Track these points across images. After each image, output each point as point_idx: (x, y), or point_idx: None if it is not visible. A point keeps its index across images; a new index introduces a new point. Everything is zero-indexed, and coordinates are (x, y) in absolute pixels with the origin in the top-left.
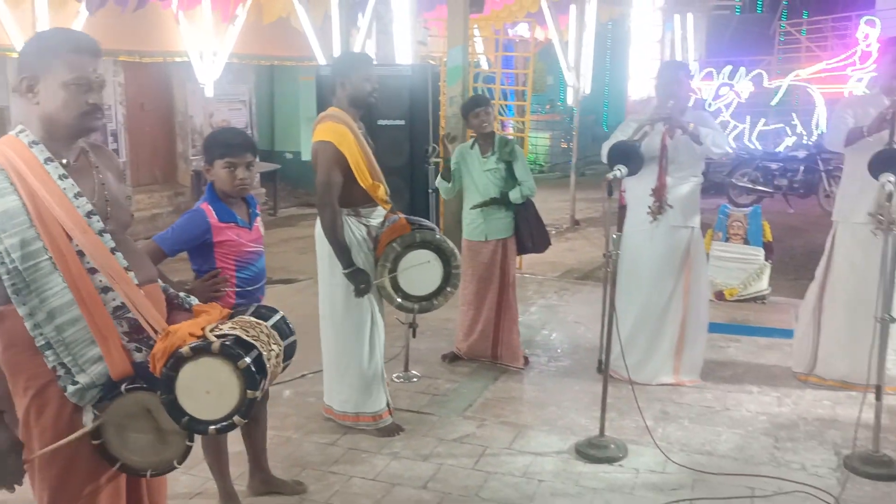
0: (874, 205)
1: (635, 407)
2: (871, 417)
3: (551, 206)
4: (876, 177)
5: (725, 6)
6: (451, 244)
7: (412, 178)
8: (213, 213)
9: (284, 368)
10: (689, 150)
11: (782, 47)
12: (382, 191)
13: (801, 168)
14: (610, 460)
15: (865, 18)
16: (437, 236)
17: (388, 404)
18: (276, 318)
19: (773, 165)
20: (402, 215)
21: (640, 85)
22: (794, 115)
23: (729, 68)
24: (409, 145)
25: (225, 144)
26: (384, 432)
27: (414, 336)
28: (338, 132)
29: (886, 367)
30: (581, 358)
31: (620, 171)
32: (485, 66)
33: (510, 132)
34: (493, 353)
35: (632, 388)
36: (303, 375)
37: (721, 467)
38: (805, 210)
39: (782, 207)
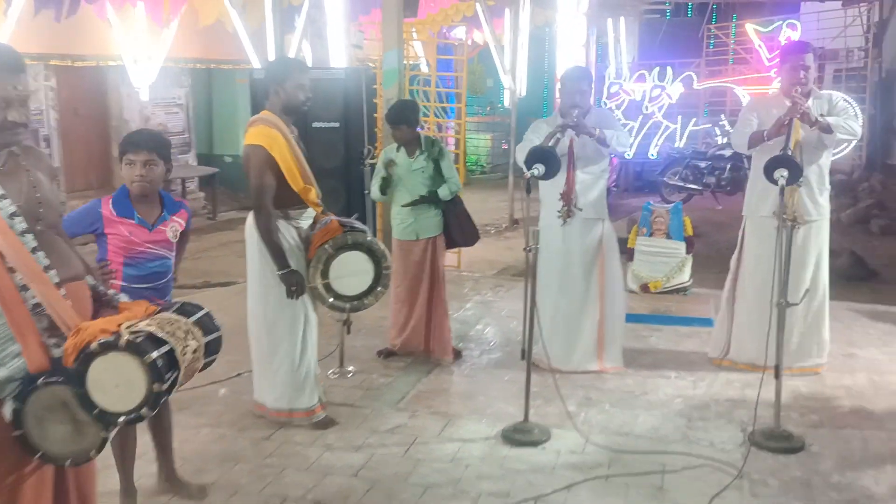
0: (778, 203)
1: (560, 394)
2: (769, 394)
3: (491, 206)
4: (770, 178)
5: (656, 10)
6: (381, 246)
7: (348, 179)
8: (110, 205)
9: (209, 364)
10: (595, 149)
11: (710, 50)
12: (314, 194)
13: (728, 166)
14: (534, 444)
15: (787, 22)
16: (369, 238)
17: (320, 399)
18: (200, 314)
19: (702, 164)
20: (333, 217)
21: None
22: (722, 115)
23: (659, 70)
24: (344, 147)
25: (127, 142)
26: (318, 426)
27: (349, 333)
28: (269, 136)
29: (793, 351)
30: (512, 350)
31: (538, 169)
32: (425, 69)
33: (451, 134)
34: (425, 347)
35: (553, 377)
36: (238, 374)
37: (636, 446)
38: (732, 206)
39: (711, 204)
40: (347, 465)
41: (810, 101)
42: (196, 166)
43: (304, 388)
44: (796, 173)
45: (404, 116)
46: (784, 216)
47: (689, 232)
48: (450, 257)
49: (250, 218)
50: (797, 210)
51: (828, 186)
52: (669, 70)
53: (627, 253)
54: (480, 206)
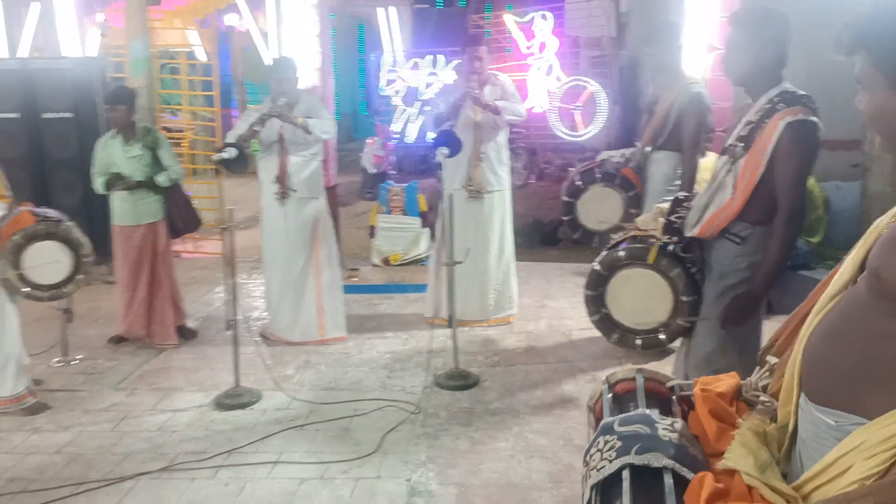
0: (465, 178)
1: (282, 361)
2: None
3: None
4: (435, 153)
5: (426, 0)
6: (77, 233)
7: (84, 170)
8: None
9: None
10: (303, 134)
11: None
12: (0, 185)
13: None
14: (242, 406)
15: (540, 13)
16: (62, 226)
17: (27, 387)
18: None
19: None
20: (26, 207)
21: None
22: None
23: (431, 58)
24: (78, 137)
25: None
26: (28, 412)
27: (70, 321)
28: None
29: (489, 305)
30: (249, 327)
31: (228, 152)
32: (203, 57)
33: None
34: (147, 332)
35: (257, 346)
36: None
37: (337, 398)
38: None
39: None
40: (52, 444)
41: (487, 88)
42: None
43: (5, 375)
44: (456, 147)
45: (121, 97)
46: (471, 187)
47: (424, 208)
48: (216, 244)
49: None
50: (481, 182)
51: (506, 161)
52: (441, 58)
53: (370, 230)
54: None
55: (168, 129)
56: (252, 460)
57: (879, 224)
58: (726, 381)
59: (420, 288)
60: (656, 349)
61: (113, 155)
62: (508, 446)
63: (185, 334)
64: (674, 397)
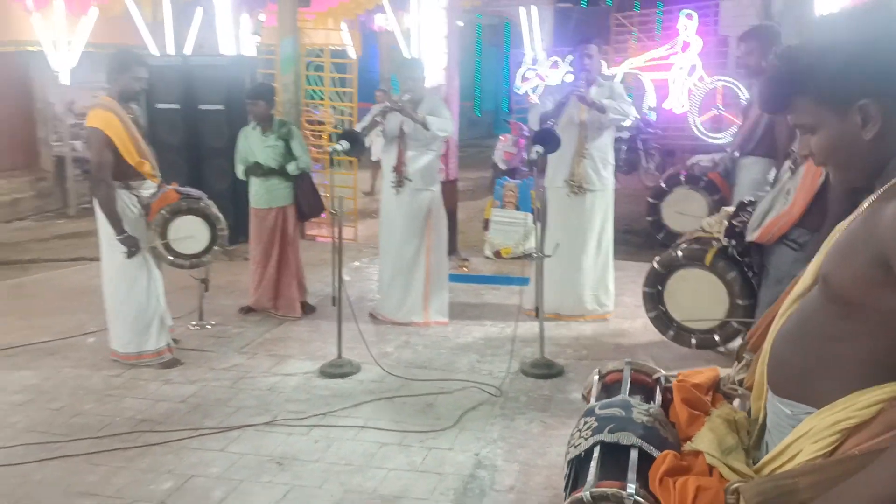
0: (568, 174)
1: (384, 339)
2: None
3: None
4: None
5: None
6: (215, 210)
7: (233, 158)
8: None
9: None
10: (423, 131)
11: (617, 38)
12: (149, 167)
13: (625, 148)
14: (342, 376)
15: (685, 12)
16: (202, 203)
17: (167, 344)
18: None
19: None
20: (172, 187)
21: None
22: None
23: (571, 57)
24: (229, 128)
25: None
26: (165, 366)
27: (207, 290)
28: (104, 119)
29: (585, 301)
30: (363, 306)
31: (341, 145)
32: (353, 55)
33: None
34: (273, 304)
35: (357, 323)
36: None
37: (428, 376)
38: (629, 185)
39: None
40: (179, 395)
41: (594, 88)
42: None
43: (150, 333)
44: (553, 146)
45: (261, 94)
46: (572, 182)
47: (536, 204)
48: (348, 230)
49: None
50: (582, 179)
51: (611, 162)
52: None
53: (484, 223)
54: None
55: (311, 123)
56: (342, 423)
57: (838, 230)
58: (705, 374)
59: (525, 281)
60: (711, 349)
61: (252, 144)
62: None
63: (306, 309)
64: (658, 387)
